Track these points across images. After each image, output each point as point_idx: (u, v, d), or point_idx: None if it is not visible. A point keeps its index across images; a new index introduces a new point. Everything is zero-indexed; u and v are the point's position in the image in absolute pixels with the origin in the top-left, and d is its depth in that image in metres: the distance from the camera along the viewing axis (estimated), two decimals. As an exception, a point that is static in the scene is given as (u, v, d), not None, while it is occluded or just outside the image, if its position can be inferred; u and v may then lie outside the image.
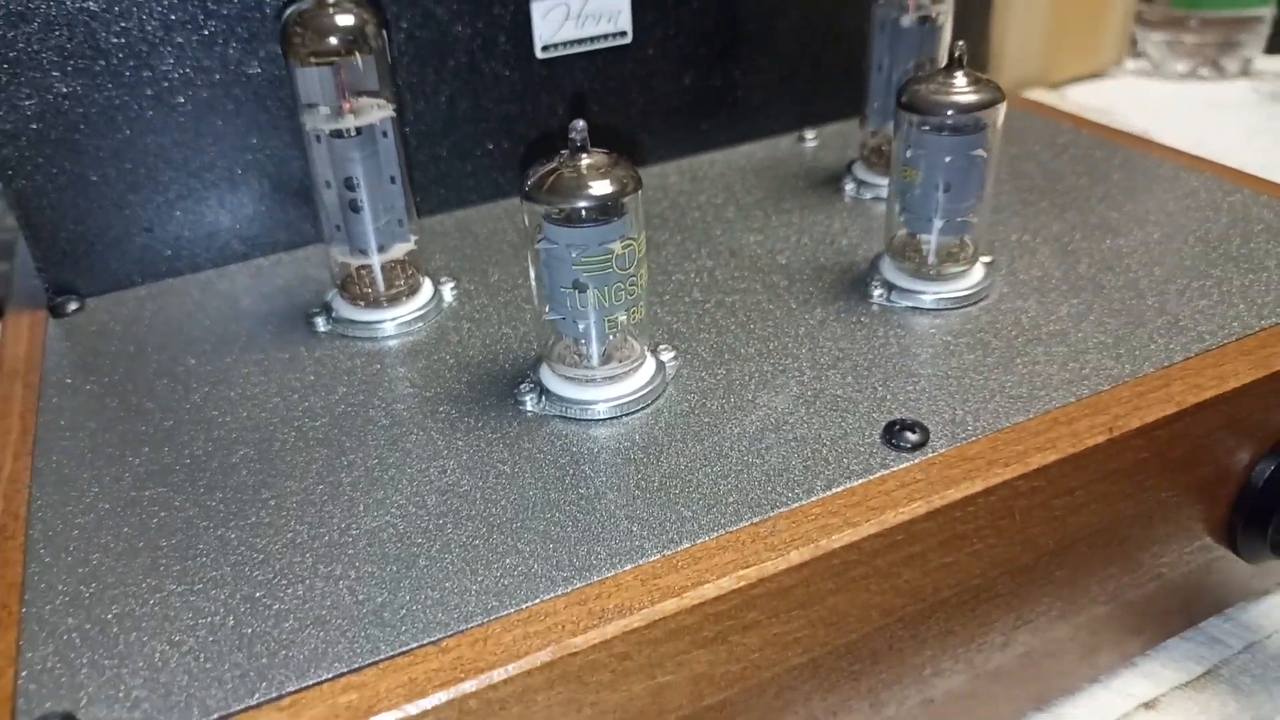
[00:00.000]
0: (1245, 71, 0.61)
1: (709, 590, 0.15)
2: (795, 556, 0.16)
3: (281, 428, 0.20)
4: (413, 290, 0.24)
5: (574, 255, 0.18)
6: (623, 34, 0.28)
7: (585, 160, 0.18)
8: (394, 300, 0.23)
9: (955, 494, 0.17)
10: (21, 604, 0.16)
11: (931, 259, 0.23)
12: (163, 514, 0.18)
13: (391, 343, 0.23)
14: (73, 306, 0.25)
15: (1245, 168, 0.29)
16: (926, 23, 0.27)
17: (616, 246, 0.19)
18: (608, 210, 0.18)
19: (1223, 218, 0.26)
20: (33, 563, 0.17)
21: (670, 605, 0.15)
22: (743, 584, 0.15)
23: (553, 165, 0.18)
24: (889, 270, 0.24)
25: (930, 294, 0.23)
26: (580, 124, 0.18)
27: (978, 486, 0.17)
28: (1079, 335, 0.21)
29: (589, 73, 0.28)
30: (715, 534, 0.16)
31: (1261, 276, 0.23)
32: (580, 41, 0.28)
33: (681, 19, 0.29)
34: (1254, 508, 0.22)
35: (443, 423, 0.19)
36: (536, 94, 0.28)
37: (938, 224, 0.22)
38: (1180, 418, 0.19)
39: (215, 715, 0.14)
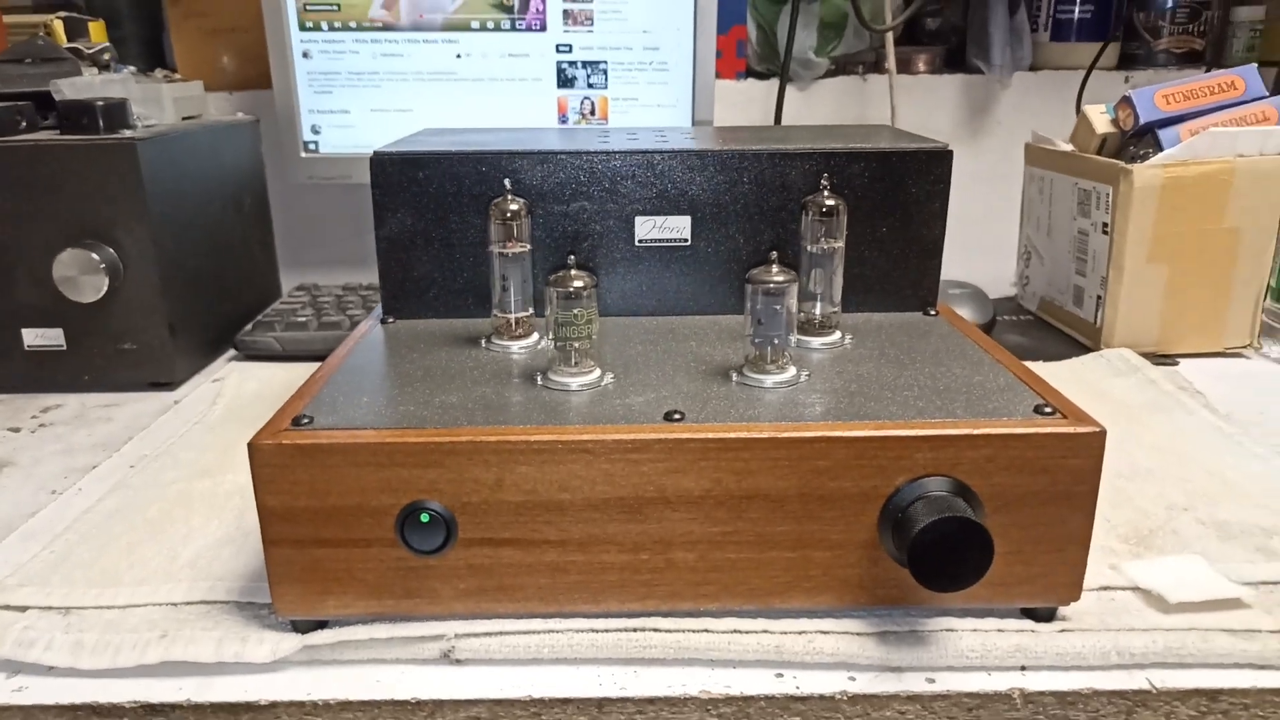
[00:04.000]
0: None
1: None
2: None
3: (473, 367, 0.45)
4: (528, 333, 0.49)
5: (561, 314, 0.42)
6: (684, 239, 0.52)
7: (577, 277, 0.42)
8: (518, 338, 0.48)
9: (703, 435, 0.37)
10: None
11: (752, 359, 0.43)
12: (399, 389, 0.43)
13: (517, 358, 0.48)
14: (391, 319, 0.53)
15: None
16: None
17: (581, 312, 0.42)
18: (579, 295, 0.42)
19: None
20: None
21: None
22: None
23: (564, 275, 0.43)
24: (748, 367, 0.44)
25: (768, 380, 0.43)
26: (570, 260, 0.42)
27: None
28: (813, 403, 0.40)
29: (664, 255, 0.53)
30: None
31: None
32: (660, 240, 0.52)
33: (718, 235, 0.52)
34: (892, 518, 0.38)
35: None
36: (636, 268, 0.53)
37: (753, 341, 0.43)
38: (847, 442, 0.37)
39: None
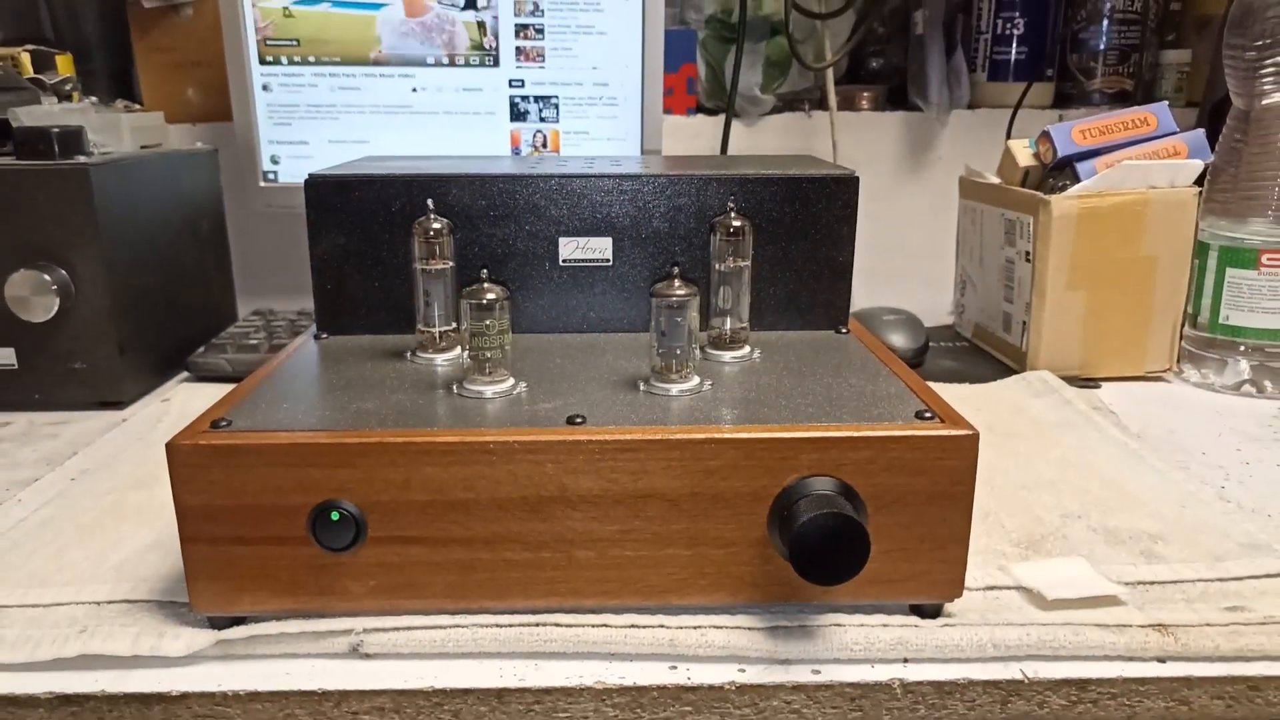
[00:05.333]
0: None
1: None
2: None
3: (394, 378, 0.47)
4: (451, 346, 0.51)
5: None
6: (606, 259, 0.55)
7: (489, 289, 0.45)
8: (441, 351, 0.50)
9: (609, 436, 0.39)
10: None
11: (657, 369, 0.46)
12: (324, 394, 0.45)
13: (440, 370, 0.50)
14: (324, 335, 0.55)
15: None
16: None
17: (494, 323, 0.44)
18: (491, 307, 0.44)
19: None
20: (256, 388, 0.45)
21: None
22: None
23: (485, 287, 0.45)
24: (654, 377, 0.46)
25: (673, 389, 0.45)
26: (484, 274, 0.45)
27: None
28: (712, 409, 0.42)
29: (586, 274, 0.55)
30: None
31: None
32: (582, 260, 0.55)
33: (638, 255, 0.55)
34: (779, 515, 0.40)
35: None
36: (560, 287, 0.55)
37: (657, 352, 0.45)
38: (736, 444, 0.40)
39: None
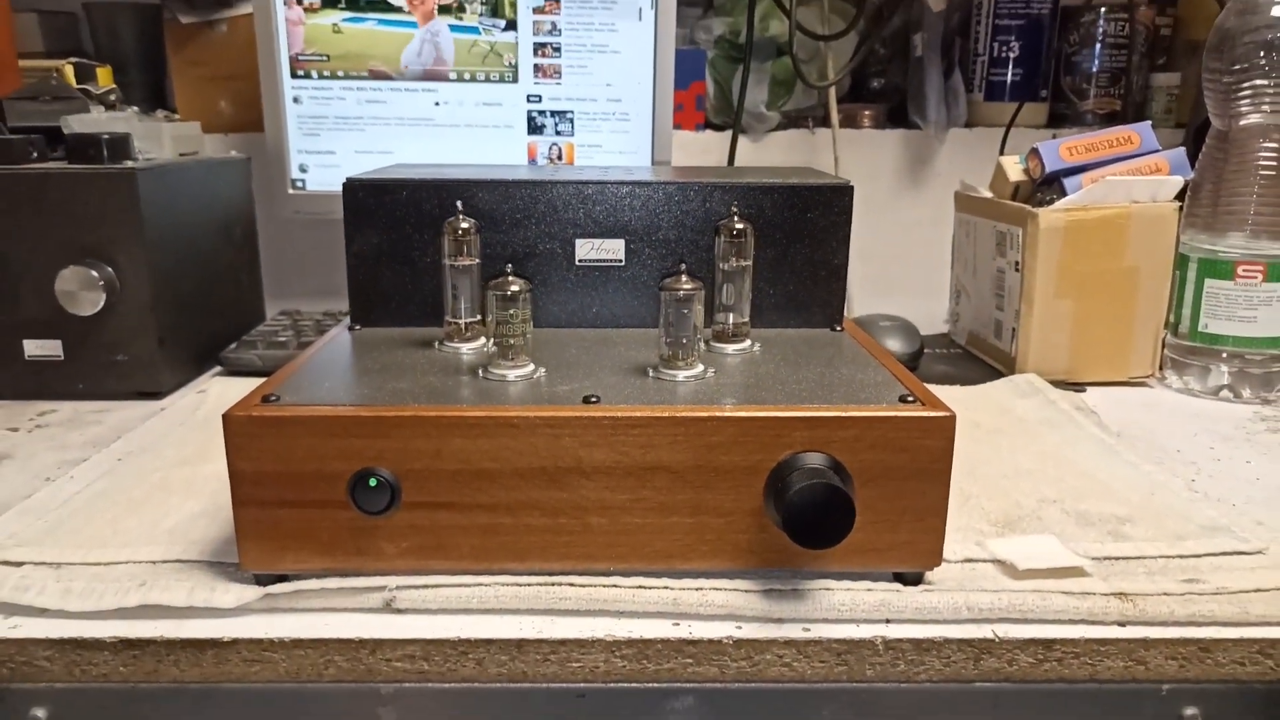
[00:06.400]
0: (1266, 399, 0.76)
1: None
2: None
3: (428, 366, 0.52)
4: (476, 336, 0.55)
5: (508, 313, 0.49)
6: (619, 260, 0.59)
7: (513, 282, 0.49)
8: (467, 340, 0.55)
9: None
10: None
11: (665, 357, 0.50)
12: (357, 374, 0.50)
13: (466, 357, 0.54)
14: (357, 327, 0.60)
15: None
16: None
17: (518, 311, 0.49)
18: (515, 297, 0.49)
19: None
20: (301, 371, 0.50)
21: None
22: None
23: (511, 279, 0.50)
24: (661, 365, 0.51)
25: (680, 375, 0.50)
26: (509, 269, 0.49)
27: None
28: (714, 392, 0.47)
29: (601, 273, 0.60)
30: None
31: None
32: (597, 260, 0.59)
33: (648, 256, 0.59)
34: (773, 487, 0.44)
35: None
36: (576, 285, 0.60)
37: (664, 341, 0.50)
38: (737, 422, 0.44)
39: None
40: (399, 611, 0.45)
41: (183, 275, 0.79)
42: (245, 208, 0.93)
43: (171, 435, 0.66)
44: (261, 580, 0.46)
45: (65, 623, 0.44)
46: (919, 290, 1.05)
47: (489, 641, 0.43)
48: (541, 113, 0.95)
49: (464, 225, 0.54)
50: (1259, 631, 0.44)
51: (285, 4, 0.90)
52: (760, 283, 0.59)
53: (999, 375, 0.82)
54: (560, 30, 0.93)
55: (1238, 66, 0.75)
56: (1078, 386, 0.80)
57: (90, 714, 0.44)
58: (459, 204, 0.55)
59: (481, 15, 0.92)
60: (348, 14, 0.91)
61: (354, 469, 0.44)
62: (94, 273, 0.72)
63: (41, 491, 0.57)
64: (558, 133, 0.96)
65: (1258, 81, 0.74)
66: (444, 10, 0.92)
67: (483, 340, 0.55)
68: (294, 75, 0.93)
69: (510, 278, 0.49)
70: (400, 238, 0.58)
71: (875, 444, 0.44)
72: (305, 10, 0.90)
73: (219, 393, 0.75)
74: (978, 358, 0.89)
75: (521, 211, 0.58)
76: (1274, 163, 0.74)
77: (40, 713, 0.43)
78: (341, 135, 0.95)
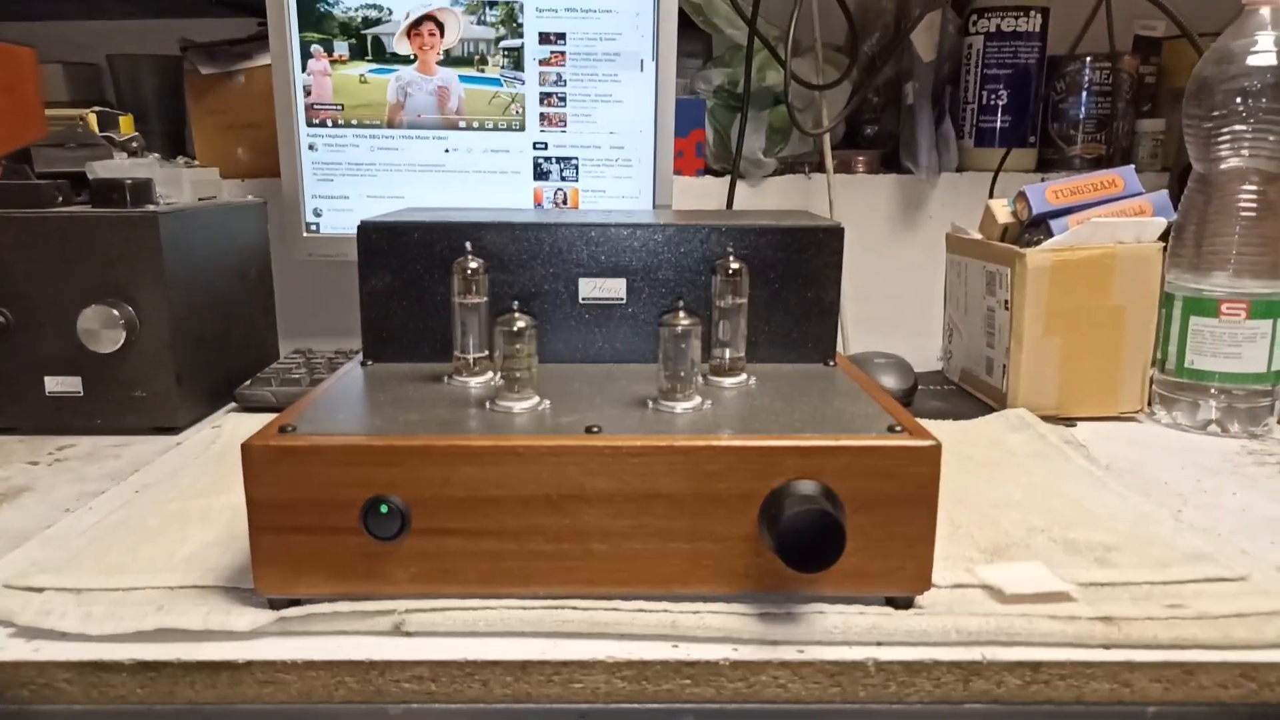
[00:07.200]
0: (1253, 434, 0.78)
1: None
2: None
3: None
4: (484, 370, 0.57)
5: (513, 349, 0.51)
6: (620, 298, 0.62)
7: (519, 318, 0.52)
8: (475, 375, 0.57)
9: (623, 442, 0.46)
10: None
11: (664, 390, 0.52)
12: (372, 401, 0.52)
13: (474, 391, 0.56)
14: (370, 363, 0.62)
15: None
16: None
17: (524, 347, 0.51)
18: (521, 333, 0.51)
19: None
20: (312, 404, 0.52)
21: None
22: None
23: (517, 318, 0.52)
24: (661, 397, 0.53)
25: (678, 407, 0.52)
26: (515, 306, 0.52)
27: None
28: (710, 423, 0.49)
29: (603, 311, 0.62)
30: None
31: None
32: (600, 299, 0.62)
33: (649, 295, 0.62)
34: (767, 513, 0.46)
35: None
36: (580, 322, 0.62)
37: (664, 375, 0.52)
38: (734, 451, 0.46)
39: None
40: (408, 634, 0.46)
41: (200, 314, 0.81)
42: (261, 250, 0.96)
43: (188, 468, 0.68)
44: (275, 604, 0.47)
45: (85, 646, 0.45)
46: (912, 329, 1.07)
47: (494, 663, 0.45)
48: (547, 159, 0.99)
49: (473, 265, 0.56)
50: (1241, 655, 0.45)
51: (314, 57, 0.94)
52: (755, 320, 0.61)
53: (991, 411, 0.84)
54: (565, 81, 0.97)
55: (1216, 113, 0.78)
56: (1068, 422, 0.81)
57: (109, 734, 0.45)
58: (468, 244, 0.58)
59: (504, 69, 0.96)
60: (374, 65, 0.95)
61: (366, 496, 0.46)
62: (115, 311, 0.74)
63: (61, 522, 0.59)
64: (563, 178, 0.99)
65: (1236, 127, 0.77)
66: (461, 62, 0.95)
67: (490, 375, 0.57)
68: (309, 124, 0.96)
69: (516, 314, 0.52)
70: (411, 277, 0.61)
71: (865, 472, 0.46)
72: (332, 62, 0.94)
73: (234, 428, 0.77)
74: (970, 394, 0.91)
75: (527, 252, 0.61)
76: (1254, 205, 0.77)
77: (60, 733, 0.45)
78: (354, 180, 0.98)
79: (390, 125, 0.97)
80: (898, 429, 0.48)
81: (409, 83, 0.96)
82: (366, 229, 0.60)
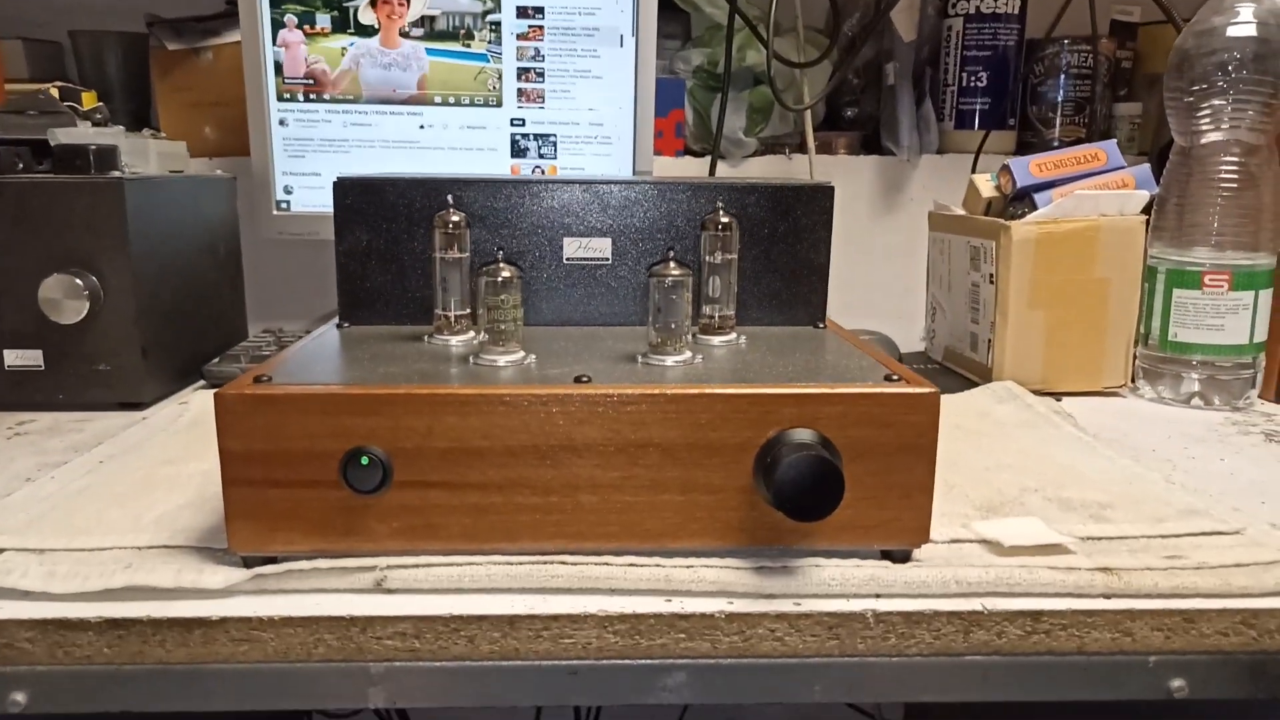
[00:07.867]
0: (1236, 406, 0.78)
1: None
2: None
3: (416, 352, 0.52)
4: (465, 330, 0.56)
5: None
6: (606, 259, 0.60)
7: (504, 268, 0.50)
8: (456, 334, 0.55)
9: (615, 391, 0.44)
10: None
11: (655, 343, 0.51)
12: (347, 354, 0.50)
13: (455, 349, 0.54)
14: (346, 325, 0.60)
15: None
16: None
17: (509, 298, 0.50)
18: (507, 283, 0.50)
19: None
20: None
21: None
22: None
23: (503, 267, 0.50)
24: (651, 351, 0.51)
25: (669, 360, 0.50)
26: (500, 257, 0.50)
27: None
28: (702, 375, 0.47)
29: (588, 272, 0.60)
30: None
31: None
32: (585, 259, 0.60)
33: (634, 254, 0.60)
34: (762, 462, 0.45)
35: (440, 361, 0.51)
36: (564, 283, 0.60)
37: (654, 328, 0.51)
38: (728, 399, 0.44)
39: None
40: (390, 591, 0.45)
41: (167, 288, 0.79)
42: (230, 226, 0.93)
43: (154, 440, 0.65)
44: (249, 563, 0.45)
45: (49, 605, 0.43)
46: (893, 313, 1.07)
47: (481, 618, 0.43)
48: (525, 136, 0.97)
49: (454, 218, 0.54)
50: (1241, 603, 0.45)
51: (286, 27, 0.92)
52: (744, 281, 0.60)
53: (976, 386, 0.83)
54: (544, 56, 0.95)
55: (1197, 86, 0.78)
56: (1055, 397, 0.81)
57: (72, 697, 0.43)
58: (449, 198, 0.56)
59: (490, 44, 0.94)
60: (355, 38, 0.93)
61: (346, 448, 0.44)
62: (78, 281, 0.71)
63: (22, 490, 0.57)
64: (541, 155, 0.98)
65: (1216, 101, 0.77)
66: (446, 36, 0.94)
67: (472, 334, 0.55)
68: (280, 98, 0.94)
69: (501, 264, 0.50)
70: (389, 236, 0.59)
71: (861, 420, 0.45)
72: (308, 34, 0.92)
73: (202, 404, 0.74)
74: (955, 372, 0.90)
75: (510, 210, 0.59)
76: (1235, 177, 0.77)
77: (20, 696, 0.42)
78: (327, 157, 0.96)
79: (335, 94, 0.94)
80: (894, 378, 0.47)
81: (363, 54, 0.93)
82: (343, 184, 0.58)
